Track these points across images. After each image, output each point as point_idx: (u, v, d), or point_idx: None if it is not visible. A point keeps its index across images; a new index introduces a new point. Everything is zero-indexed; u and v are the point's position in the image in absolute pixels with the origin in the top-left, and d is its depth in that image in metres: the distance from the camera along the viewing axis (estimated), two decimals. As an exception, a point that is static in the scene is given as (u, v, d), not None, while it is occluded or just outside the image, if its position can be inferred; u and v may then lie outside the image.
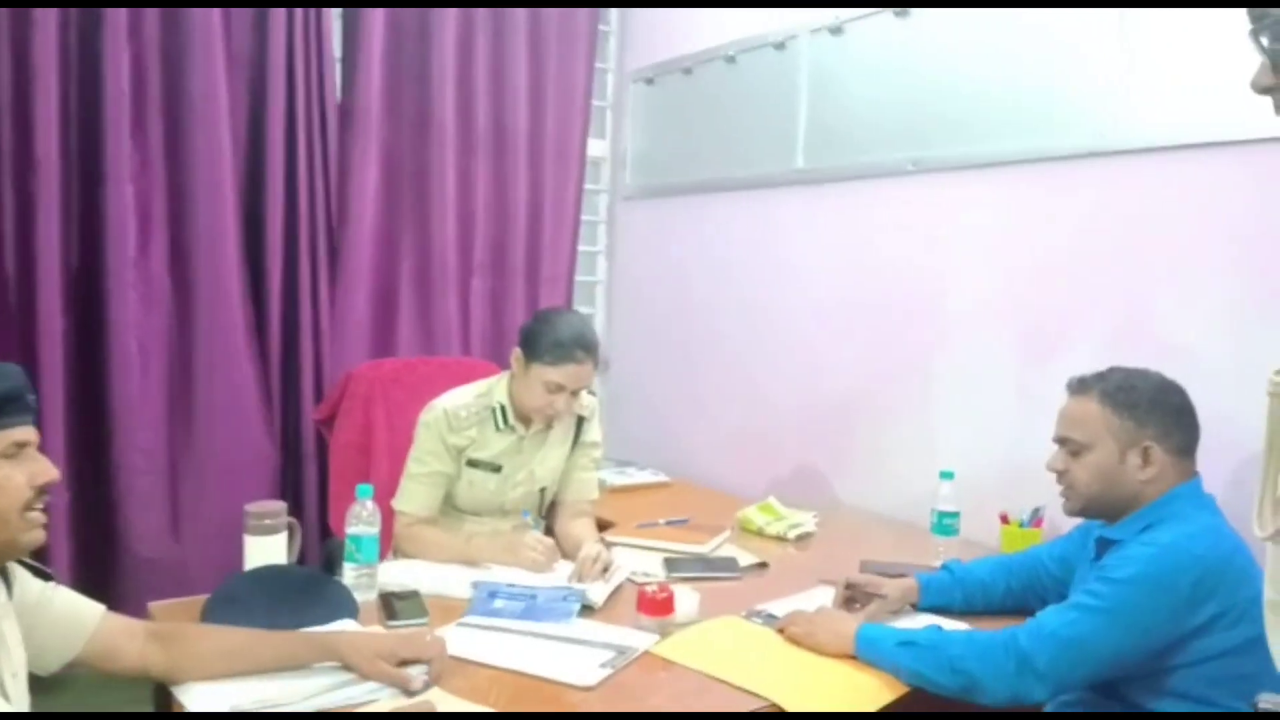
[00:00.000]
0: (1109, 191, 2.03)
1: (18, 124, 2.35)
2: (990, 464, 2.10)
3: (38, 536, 1.16)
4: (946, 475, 2.01)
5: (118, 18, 2.42)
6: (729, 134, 2.97)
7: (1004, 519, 2.02)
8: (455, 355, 3.00)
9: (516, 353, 2.05)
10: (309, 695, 1.31)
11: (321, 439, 2.67)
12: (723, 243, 3.05)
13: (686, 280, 3.19)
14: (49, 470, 1.16)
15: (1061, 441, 1.53)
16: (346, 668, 1.37)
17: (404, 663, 1.37)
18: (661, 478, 3.01)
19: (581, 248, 3.36)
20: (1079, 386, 1.53)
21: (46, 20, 2.34)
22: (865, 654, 1.47)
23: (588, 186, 3.35)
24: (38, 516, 1.16)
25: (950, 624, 1.59)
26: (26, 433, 1.15)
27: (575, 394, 2.03)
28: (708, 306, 3.11)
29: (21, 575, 1.23)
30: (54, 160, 2.38)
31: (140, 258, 2.52)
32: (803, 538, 2.21)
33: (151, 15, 2.49)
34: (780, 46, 2.75)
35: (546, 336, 1.99)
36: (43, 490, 1.16)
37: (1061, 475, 1.53)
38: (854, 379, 2.61)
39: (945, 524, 1.98)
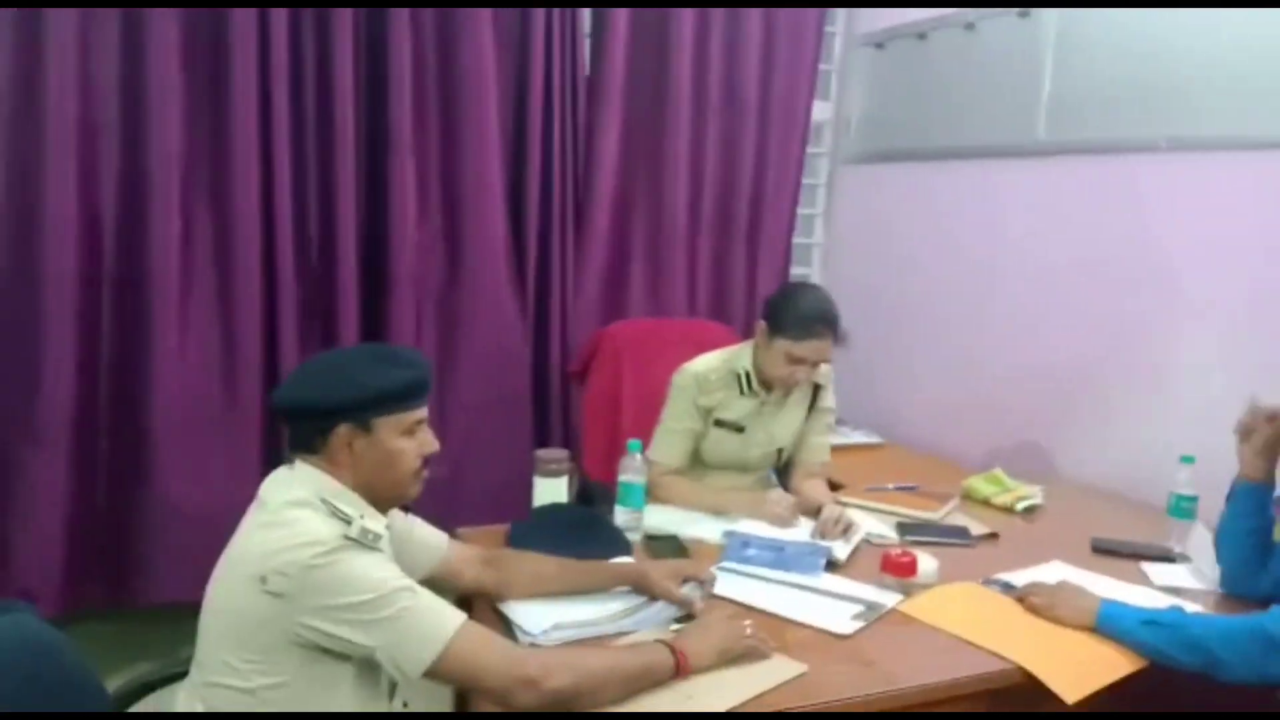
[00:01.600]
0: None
1: (321, 106, 2.69)
2: (1232, 450, 2.10)
3: (418, 491, 1.45)
4: (1187, 459, 2.03)
5: (401, 12, 2.70)
6: (962, 102, 2.97)
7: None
8: (681, 312, 3.20)
9: (761, 325, 2.20)
10: (614, 615, 1.57)
11: (567, 387, 2.96)
12: (947, 210, 3.08)
13: (905, 245, 3.25)
14: (433, 442, 1.45)
15: None
16: (638, 592, 1.61)
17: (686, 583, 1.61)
18: (875, 439, 3.13)
19: (801, 210, 3.46)
20: None
21: (343, 19, 2.64)
22: (1106, 629, 1.57)
23: (810, 150, 3.43)
24: (421, 476, 1.43)
25: (1190, 607, 1.66)
26: (423, 412, 1.42)
27: (815, 366, 2.18)
28: (926, 272, 3.16)
29: (392, 510, 1.52)
30: (349, 137, 2.70)
31: (419, 221, 2.84)
32: (1030, 510, 2.29)
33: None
34: (1024, 14, 2.72)
35: (791, 312, 2.14)
36: (428, 459, 1.43)
37: None
38: (1082, 355, 2.62)
39: (1183, 507, 2.01)
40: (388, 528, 1.44)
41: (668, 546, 1.93)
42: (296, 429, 1.39)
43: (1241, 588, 1.77)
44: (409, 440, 1.39)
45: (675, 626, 1.55)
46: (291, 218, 2.67)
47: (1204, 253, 2.31)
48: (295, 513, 1.30)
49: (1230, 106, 2.21)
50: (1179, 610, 1.59)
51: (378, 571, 1.29)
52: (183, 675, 1.44)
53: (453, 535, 1.86)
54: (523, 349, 2.98)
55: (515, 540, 1.84)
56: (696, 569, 1.66)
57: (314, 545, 1.25)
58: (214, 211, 2.61)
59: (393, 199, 2.78)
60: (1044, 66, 2.68)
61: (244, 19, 2.52)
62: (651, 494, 2.21)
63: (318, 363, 1.46)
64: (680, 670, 1.36)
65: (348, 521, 1.30)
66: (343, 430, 1.35)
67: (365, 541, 1.29)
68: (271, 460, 2.67)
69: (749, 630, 1.47)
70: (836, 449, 2.93)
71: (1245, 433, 1.78)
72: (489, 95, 2.81)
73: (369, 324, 2.82)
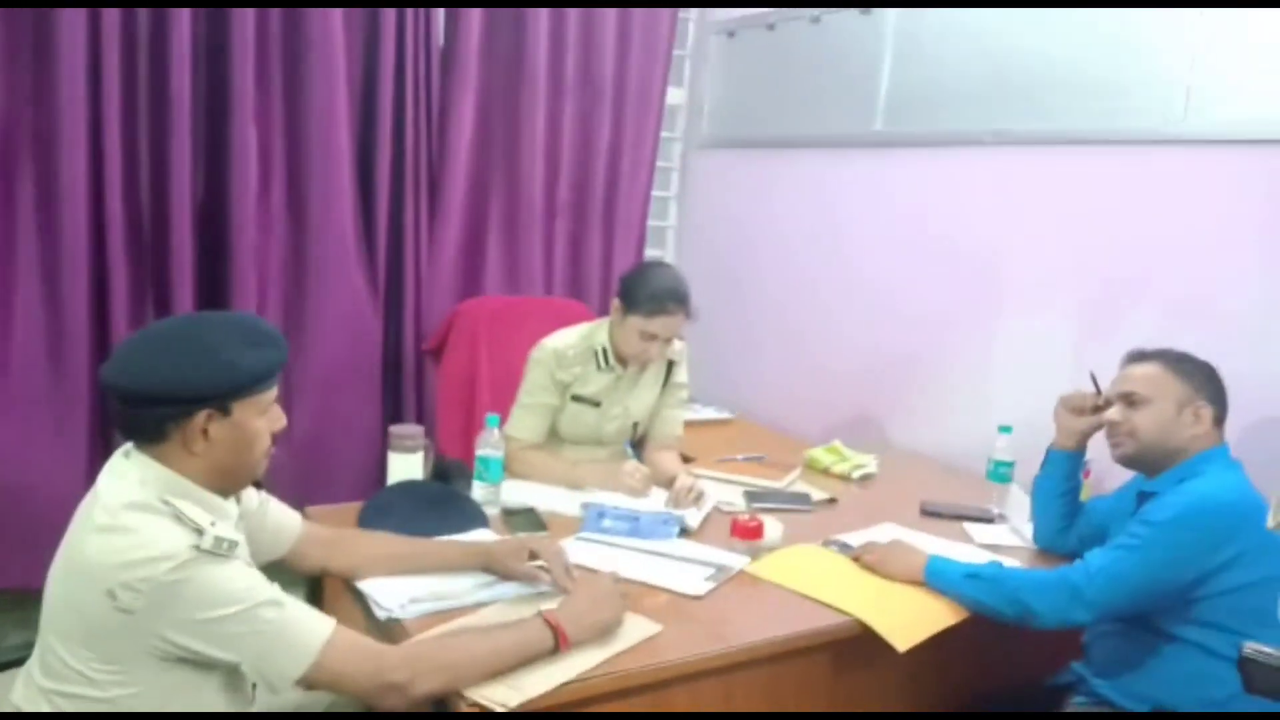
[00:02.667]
0: (1177, 177, 2.19)
1: (155, 64, 2.53)
2: (1044, 421, 2.31)
3: (265, 466, 1.37)
4: (1005, 429, 2.22)
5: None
6: (807, 92, 3.11)
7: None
8: (537, 292, 3.21)
9: (616, 302, 2.24)
10: (469, 591, 1.57)
11: (420, 364, 2.91)
12: (792, 196, 3.22)
13: (752, 230, 3.37)
14: (282, 418, 1.37)
15: (1124, 397, 1.72)
16: (487, 572, 1.62)
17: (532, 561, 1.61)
18: (725, 415, 3.24)
19: (655, 192, 3.52)
20: (1142, 355, 1.75)
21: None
22: (933, 583, 1.70)
23: (663, 134, 3.50)
24: (270, 453, 1.36)
25: (1008, 562, 1.82)
26: (275, 391, 1.35)
27: (668, 341, 2.24)
28: (771, 256, 3.29)
29: (246, 490, 1.45)
30: (186, 100, 2.55)
31: (261, 192, 2.72)
32: (866, 478, 2.43)
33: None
34: (866, 11, 2.87)
35: (643, 290, 2.19)
36: (276, 436, 1.36)
37: (1119, 425, 1.72)
38: (912, 335, 2.81)
39: (1000, 472, 2.20)
40: (241, 518, 1.38)
41: (525, 520, 1.95)
42: (141, 416, 1.25)
43: (1052, 544, 1.95)
44: (264, 420, 1.32)
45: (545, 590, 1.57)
46: (121, 186, 2.52)
47: (1024, 242, 2.52)
48: (136, 518, 1.20)
49: (1052, 104, 2.40)
50: (998, 565, 1.73)
51: (238, 583, 1.21)
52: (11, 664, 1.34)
53: (303, 514, 1.82)
54: (374, 325, 2.91)
55: (367, 519, 1.81)
56: (541, 544, 1.64)
57: (165, 559, 1.16)
58: (36, 177, 2.45)
59: (234, 168, 2.66)
60: (883, 62, 2.84)
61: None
62: (509, 469, 2.21)
63: (169, 338, 1.28)
64: (559, 649, 1.36)
65: (198, 531, 1.21)
66: (200, 417, 1.25)
67: (219, 551, 1.21)
68: (103, 440, 2.53)
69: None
70: (689, 424, 3.00)
71: (1080, 410, 1.88)
72: (337, 61, 2.72)
73: (208, 296, 2.69)
